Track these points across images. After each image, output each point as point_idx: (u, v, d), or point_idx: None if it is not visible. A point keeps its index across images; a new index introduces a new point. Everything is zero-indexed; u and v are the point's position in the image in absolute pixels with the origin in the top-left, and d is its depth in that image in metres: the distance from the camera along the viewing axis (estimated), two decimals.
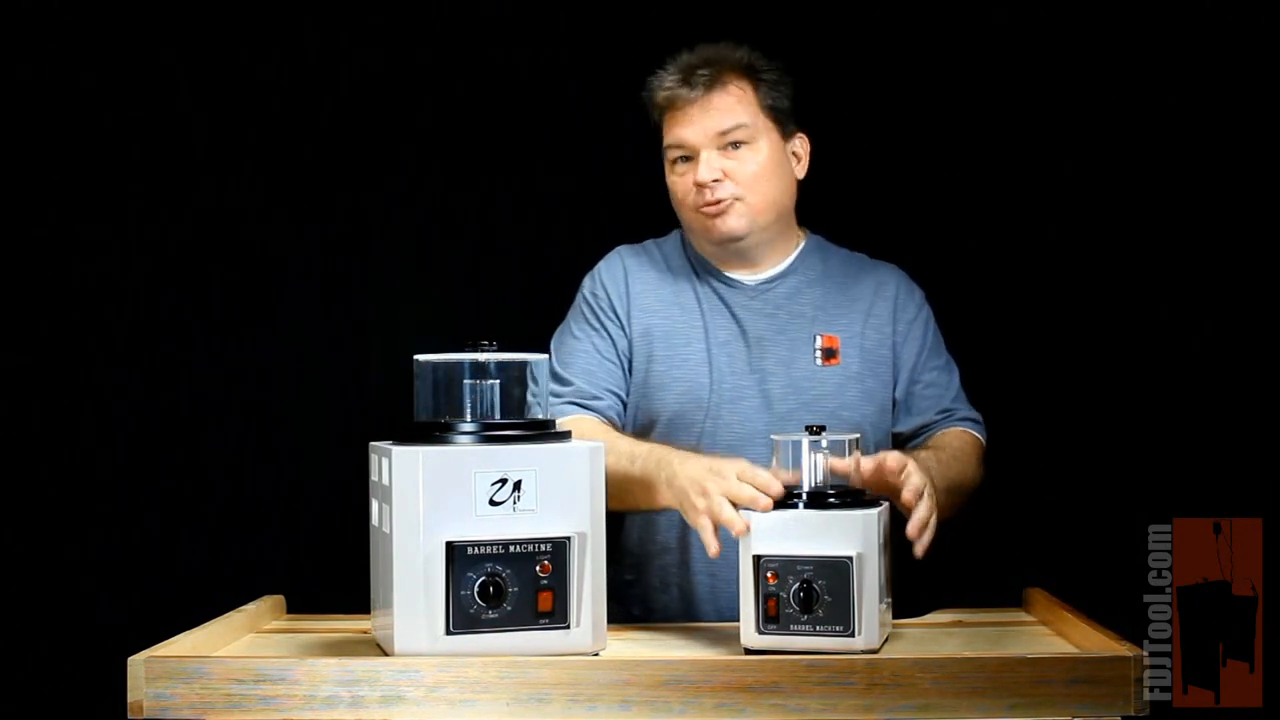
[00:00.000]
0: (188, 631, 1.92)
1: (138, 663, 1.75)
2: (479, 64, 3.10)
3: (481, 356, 1.91)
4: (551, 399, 2.38)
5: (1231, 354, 2.93)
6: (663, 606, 2.36)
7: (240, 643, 2.03)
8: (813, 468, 1.92)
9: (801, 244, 2.44)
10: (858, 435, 1.98)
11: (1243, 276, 2.94)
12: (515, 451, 1.82)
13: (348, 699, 1.74)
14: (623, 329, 2.39)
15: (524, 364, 1.96)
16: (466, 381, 1.92)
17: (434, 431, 1.86)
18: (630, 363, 2.39)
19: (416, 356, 1.95)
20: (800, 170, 2.39)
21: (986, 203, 3.04)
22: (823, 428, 1.93)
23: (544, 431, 1.88)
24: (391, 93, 3.10)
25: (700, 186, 2.30)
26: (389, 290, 3.12)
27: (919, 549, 1.98)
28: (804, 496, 1.89)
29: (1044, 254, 3.02)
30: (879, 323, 2.38)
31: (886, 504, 1.95)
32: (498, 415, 1.91)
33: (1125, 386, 2.98)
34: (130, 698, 1.75)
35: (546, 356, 2.00)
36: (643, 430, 2.37)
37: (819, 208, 2.48)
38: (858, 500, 1.89)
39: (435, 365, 1.93)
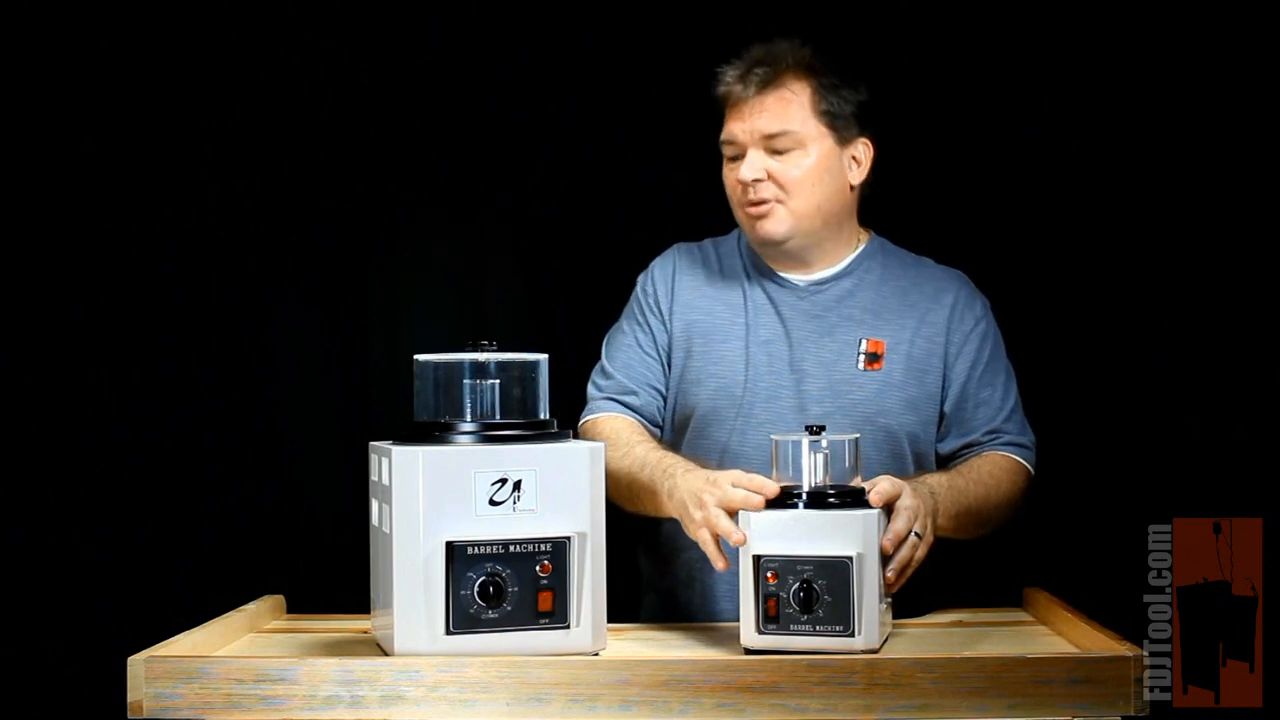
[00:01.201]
0: (188, 631, 1.92)
1: (138, 663, 1.75)
2: (480, 63, 3.10)
3: (481, 356, 1.91)
4: (594, 392, 2.43)
5: (1232, 354, 2.93)
6: (685, 601, 2.37)
7: (240, 643, 2.03)
8: (813, 468, 1.92)
9: (861, 246, 2.41)
10: (856, 435, 1.98)
11: (1243, 277, 2.94)
12: (515, 451, 1.82)
13: (348, 699, 1.74)
14: (664, 325, 2.41)
15: (524, 364, 1.96)
16: (466, 381, 1.92)
17: (434, 431, 1.86)
18: (669, 358, 2.41)
19: (416, 356, 1.95)
20: (856, 176, 2.35)
21: (988, 199, 3.03)
22: (822, 428, 1.93)
23: (544, 431, 1.88)
24: (392, 92, 3.10)
25: (744, 185, 2.30)
26: (389, 290, 3.12)
27: (891, 587, 1.97)
28: (804, 496, 1.89)
29: (1042, 252, 3.02)
30: (932, 332, 2.35)
31: None
32: (498, 415, 1.91)
33: (1125, 387, 2.98)
34: (130, 698, 1.75)
35: (546, 356, 2.00)
36: (680, 424, 2.38)
37: (884, 209, 2.47)
38: (858, 500, 1.89)
39: (435, 365, 1.93)
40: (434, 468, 1.80)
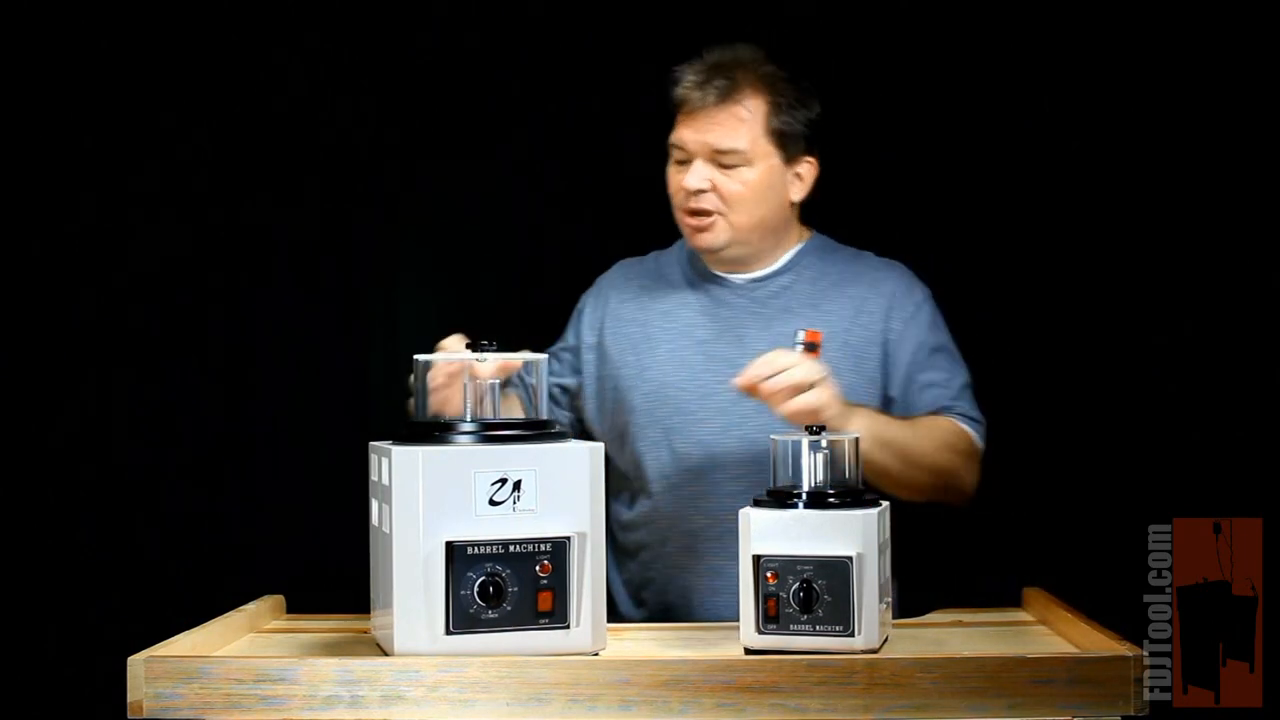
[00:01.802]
0: (188, 631, 1.92)
1: (138, 663, 1.75)
2: (480, 63, 3.10)
3: (481, 356, 1.91)
4: None
5: (1232, 354, 2.93)
6: (643, 602, 2.41)
7: (240, 643, 2.03)
8: (812, 467, 1.92)
9: (801, 244, 2.45)
10: (857, 435, 1.98)
11: (1243, 276, 2.94)
12: (515, 451, 1.82)
13: (348, 699, 1.74)
14: (580, 344, 2.48)
15: (523, 364, 1.96)
16: (466, 381, 1.92)
17: (434, 431, 1.86)
18: (596, 375, 2.46)
19: (416, 356, 1.95)
20: (797, 193, 2.39)
21: (988, 202, 3.04)
22: (822, 427, 1.93)
23: (544, 431, 1.88)
24: (392, 91, 3.10)
25: (687, 193, 2.34)
26: (389, 290, 3.12)
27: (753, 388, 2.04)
28: (804, 496, 1.89)
29: (1043, 254, 3.02)
30: (869, 320, 2.38)
31: (887, 504, 1.95)
32: (497, 415, 1.91)
33: (1125, 386, 2.98)
34: (130, 698, 1.75)
35: (546, 356, 2.01)
36: (620, 430, 2.42)
37: (830, 207, 2.48)
38: (858, 500, 1.89)
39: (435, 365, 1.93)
40: (434, 468, 1.79)
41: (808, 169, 2.39)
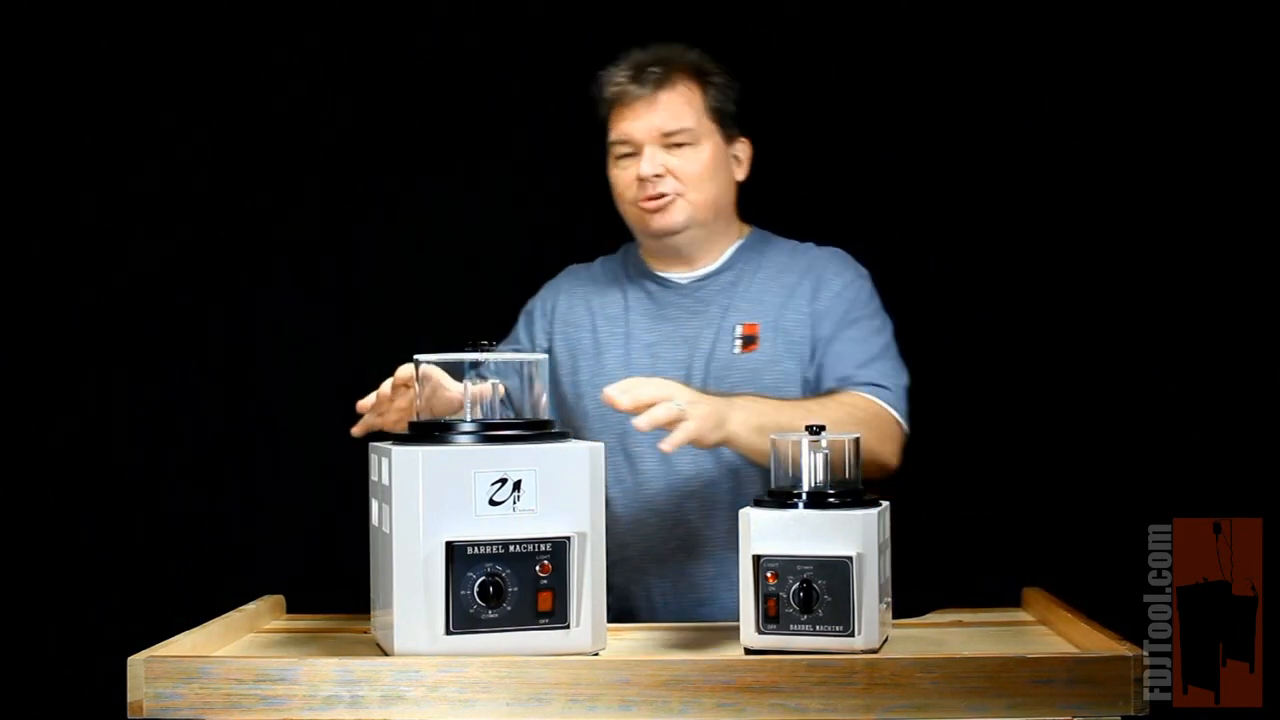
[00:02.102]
0: (188, 631, 1.92)
1: (138, 663, 1.75)
2: (480, 63, 3.10)
3: (481, 356, 1.91)
4: None
5: (1231, 354, 2.93)
6: (606, 607, 2.39)
7: (240, 643, 2.03)
8: (812, 467, 1.91)
9: (741, 240, 2.46)
10: (858, 435, 1.98)
11: (1243, 275, 2.94)
12: (515, 451, 1.82)
13: (348, 699, 1.74)
14: (534, 346, 2.48)
15: (524, 364, 1.97)
16: (466, 381, 1.93)
17: (434, 431, 1.86)
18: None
19: (416, 356, 1.95)
20: (740, 173, 2.43)
21: (990, 203, 3.04)
22: (822, 427, 1.93)
23: (544, 431, 1.88)
24: (391, 92, 3.10)
25: (642, 181, 2.35)
26: (389, 289, 3.12)
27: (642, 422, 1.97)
28: (804, 496, 1.89)
29: (1043, 254, 3.02)
30: (800, 303, 2.38)
31: (887, 504, 1.95)
32: (497, 415, 1.91)
33: (1125, 386, 2.98)
34: (130, 698, 1.75)
35: (546, 356, 2.01)
36: (575, 435, 2.39)
37: (781, 202, 2.51)
38: (858, 500, 1.89)
39: (435, 365, 1.92)
40: (434, 468, 1.79)
41: (744, 149, 2.43)
